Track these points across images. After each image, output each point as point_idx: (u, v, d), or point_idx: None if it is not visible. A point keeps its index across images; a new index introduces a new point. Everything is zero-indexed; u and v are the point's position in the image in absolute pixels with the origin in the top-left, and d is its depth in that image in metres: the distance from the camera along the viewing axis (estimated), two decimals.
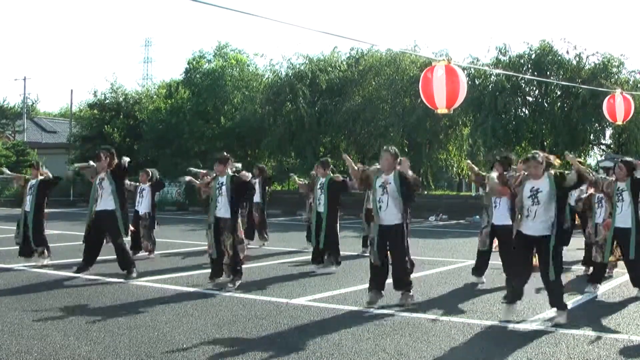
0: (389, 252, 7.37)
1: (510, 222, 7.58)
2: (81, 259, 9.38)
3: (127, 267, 8.94)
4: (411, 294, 7.33)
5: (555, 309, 6.56)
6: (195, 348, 5.51)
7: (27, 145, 37.63)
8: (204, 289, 8.22)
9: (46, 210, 10.52)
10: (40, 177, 10.31)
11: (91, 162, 9.54)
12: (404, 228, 7.29)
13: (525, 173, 6.73)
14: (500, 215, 8.53)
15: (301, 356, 5.33)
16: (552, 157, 6.80)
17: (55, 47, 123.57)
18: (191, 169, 10.70)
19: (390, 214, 7.26)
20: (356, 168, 7.73)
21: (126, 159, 9.25)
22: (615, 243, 8.16)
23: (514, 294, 6.70)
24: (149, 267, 10.12)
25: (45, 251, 10.17)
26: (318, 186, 10.27)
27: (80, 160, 34.39)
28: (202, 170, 10.09)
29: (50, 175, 10.38)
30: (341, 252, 10.37)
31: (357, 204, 21.58)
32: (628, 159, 8.43)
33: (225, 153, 8.80)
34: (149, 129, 30.84)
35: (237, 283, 8.29)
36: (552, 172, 6.70)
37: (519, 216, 6.65)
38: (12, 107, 45.79)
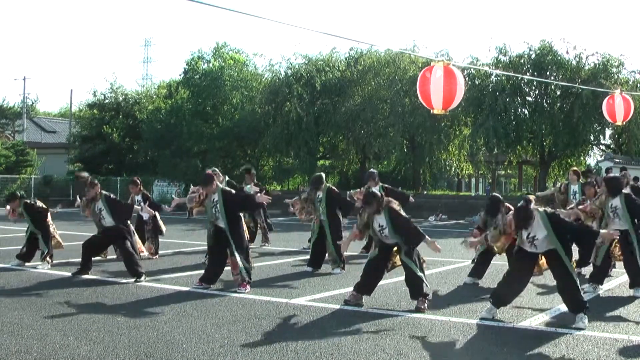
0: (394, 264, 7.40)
1: None
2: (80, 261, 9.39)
3: (136, 273, 8.90)
4: (427, 298, 7.20)
5: (573, 314, 6.45)
6: (195, 348, 5.51)
7: (27, 145, 37.63)
8: (204, 289, 8.22)
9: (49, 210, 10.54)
10: (24, 202, 10.33)
11: (79, 201, 9.73)
12: (404, 248, 7.14)
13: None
14: None
15: (300, 356, 5.33)
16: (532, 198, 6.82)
17: (55, 47, 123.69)
18: (174, 196, 10.53)
19: (393, 240, 7.26)
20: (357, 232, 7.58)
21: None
22: (613, 243, 8.17)
23: (499, 299, 6.69)
24: (149, 267, 10.10)
25: (49, 257, 10.17)
26: (317, 199, 10.27)
27: (79, 159, 34.56)
28: (194, 195, 9.07)
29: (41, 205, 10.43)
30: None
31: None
32: (612, 176, 8.42)
33: (207, 172, 8.68)
34: (147, 129, 30.85)
35: (249, 287, 8.19)
36: (545, 212, 6.53)
37: (521, 239, 6.60)
38: (11, 107, 45.84)
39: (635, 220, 7.98)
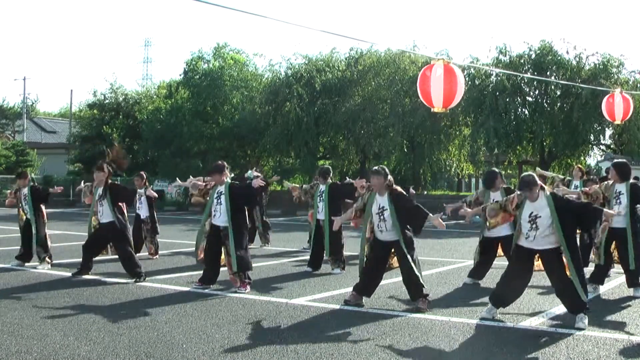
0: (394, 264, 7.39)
1: (511, 232, 7.56)
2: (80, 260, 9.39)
3: (135, 274, 8.89)
4: (427, 299, 7.16)
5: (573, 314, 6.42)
6: (195, 348, 5.51)
7: (27, 145, 37.66)
8: (204, 289, 8.22)
9: (46, 211, 10.53)
10: (31, 184, 10.47)
11: (82, 185, 9.87)
12: (403, 242, 7.10)
13: (519, 193, 6.60)
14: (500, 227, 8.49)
15: (300, 356, 5.33)
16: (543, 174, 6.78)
17: (55, 47, 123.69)
18: (178, 180, 10.54)
19: (390, 233, 7.20)
20: (351, 214, 7.61)
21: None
22: (613, 244, 8.17)
23: (499, 299, 6.69)
24: (149, 267, 10.10)
25: (48, 258, 10.17)
26: (318, 193, 10.25)
27: (79, 160, 34.57)
28: (199, 182, 9.01)
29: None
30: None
31: None
32: (620, 161, 8.42)
33: (220, 162, 8.58)
34: (147, 129, 30.83)
35: (249, 287, 8.15)
36: (550, 192, 6.54)
37: (519, 232, 6.56)
38: (11, 107, 45.94)
39: (637, 211, 8.01)
